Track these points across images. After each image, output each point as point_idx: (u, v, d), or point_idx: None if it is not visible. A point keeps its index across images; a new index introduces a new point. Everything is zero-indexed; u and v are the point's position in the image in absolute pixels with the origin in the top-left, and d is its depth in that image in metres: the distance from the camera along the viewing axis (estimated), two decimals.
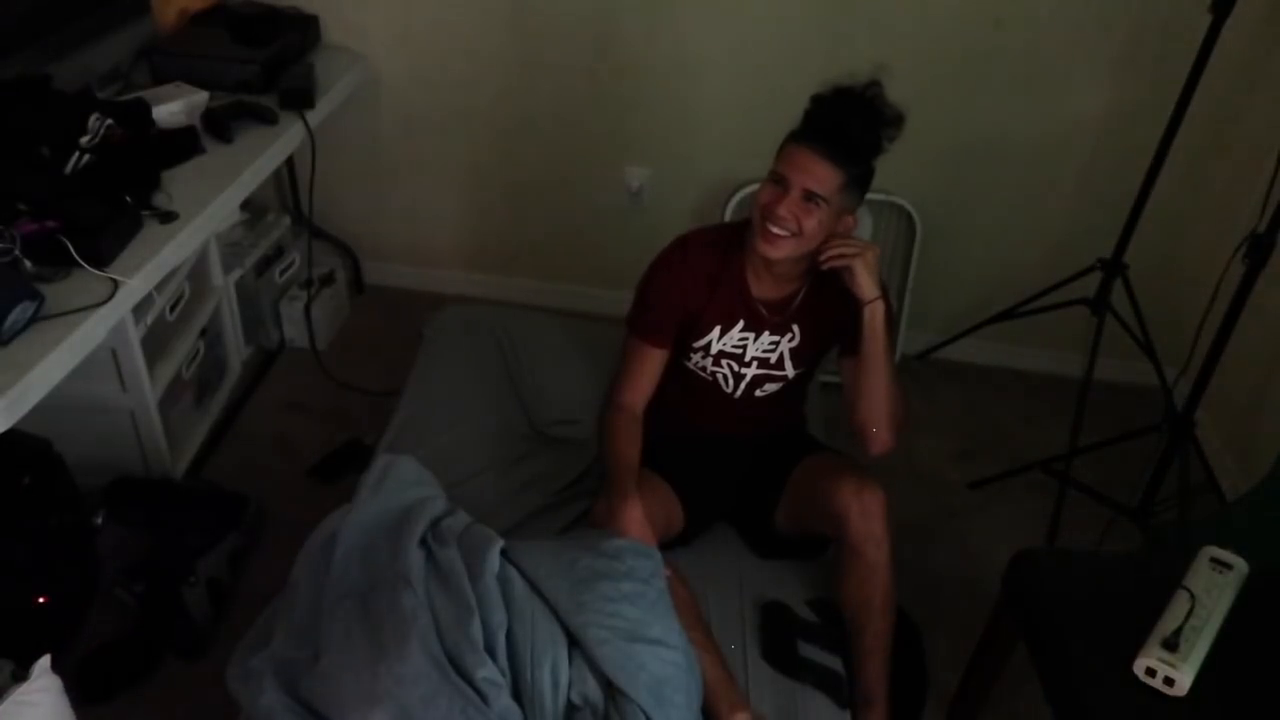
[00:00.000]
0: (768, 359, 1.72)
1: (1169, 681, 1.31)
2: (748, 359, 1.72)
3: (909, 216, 2.55)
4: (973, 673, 1.70)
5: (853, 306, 1.60)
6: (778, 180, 1.53)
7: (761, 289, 1.68)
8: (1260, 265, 1.87)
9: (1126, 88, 2.36)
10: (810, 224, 1.52)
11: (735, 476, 1.81)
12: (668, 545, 1.66)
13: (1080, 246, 2.43)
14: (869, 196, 2.60)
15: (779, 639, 1.59)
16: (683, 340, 1.72)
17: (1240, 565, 1.47)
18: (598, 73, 2.52)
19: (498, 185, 2.76)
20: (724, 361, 1.73)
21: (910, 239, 2.58)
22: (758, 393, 1.76)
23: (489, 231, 2.85)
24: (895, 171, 2.55)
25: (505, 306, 2.84)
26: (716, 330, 1.70)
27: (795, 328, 1.71)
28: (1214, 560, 1.47)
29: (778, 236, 1.53)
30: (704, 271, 1.67)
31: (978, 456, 2.46)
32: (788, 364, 1.74)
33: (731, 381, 1.75)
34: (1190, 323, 2.18)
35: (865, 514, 1.57)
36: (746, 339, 1.70)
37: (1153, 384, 2.39)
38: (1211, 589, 1.42)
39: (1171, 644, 1.33)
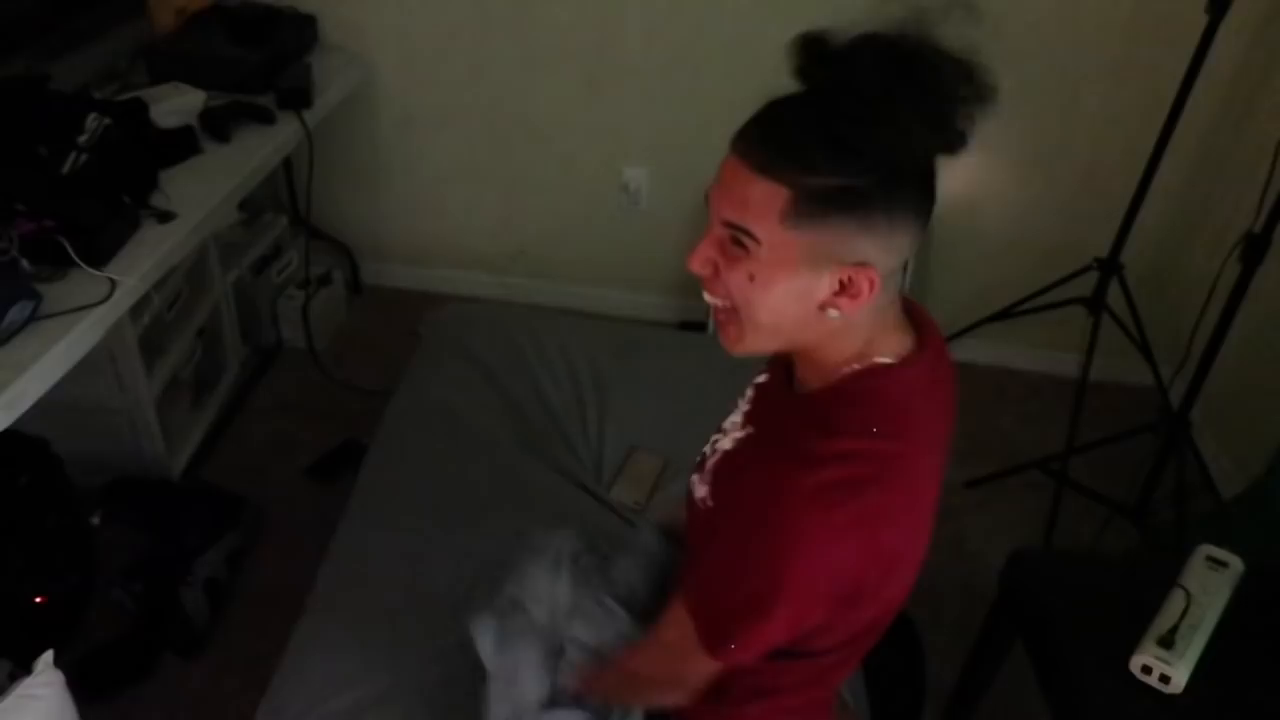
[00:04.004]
0: None
1: (1165, 679, 1.31)
2: None
3: None
4: (970, 671, 1.70)
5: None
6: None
7: None
8: (1256, 265, 1.87)
9: (1123, 87, 2.37)
10: (735, 281, 0.91)
11: None
12: None
13: (1076, 246, 2.44)
14: None
15: None
16: None
17: (1236, 563, 1.47)
18: (596, 72, 2.52)
19: (495, 185, 2.76)
20: None
21: None
22: None
23: (486, 231, 2.85)
24: None
25: (503, 306, 2.85)
26: None
27: None
28: (1210, 559, 1.48)
29: (718, 313, 0.96)
30: None
31: (974, 456, 2.47)
32: None
33: None
34: (1186, 322, 2.19)
35: None
36: None
37: (1149, 383, 2.39)
38: (1207, 587, 1.42)
39: (1167, 642, 1.34)
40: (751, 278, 0.89)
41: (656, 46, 2.47)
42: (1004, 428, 2.60)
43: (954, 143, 0.85)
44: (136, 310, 1.91)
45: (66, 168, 1.68)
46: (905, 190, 0.86)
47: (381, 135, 2.72)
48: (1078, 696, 1.36)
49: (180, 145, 1.89)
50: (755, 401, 1.13)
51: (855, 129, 0.82)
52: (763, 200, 0.86)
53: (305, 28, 2.43)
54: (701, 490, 1.11)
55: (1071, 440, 2.25)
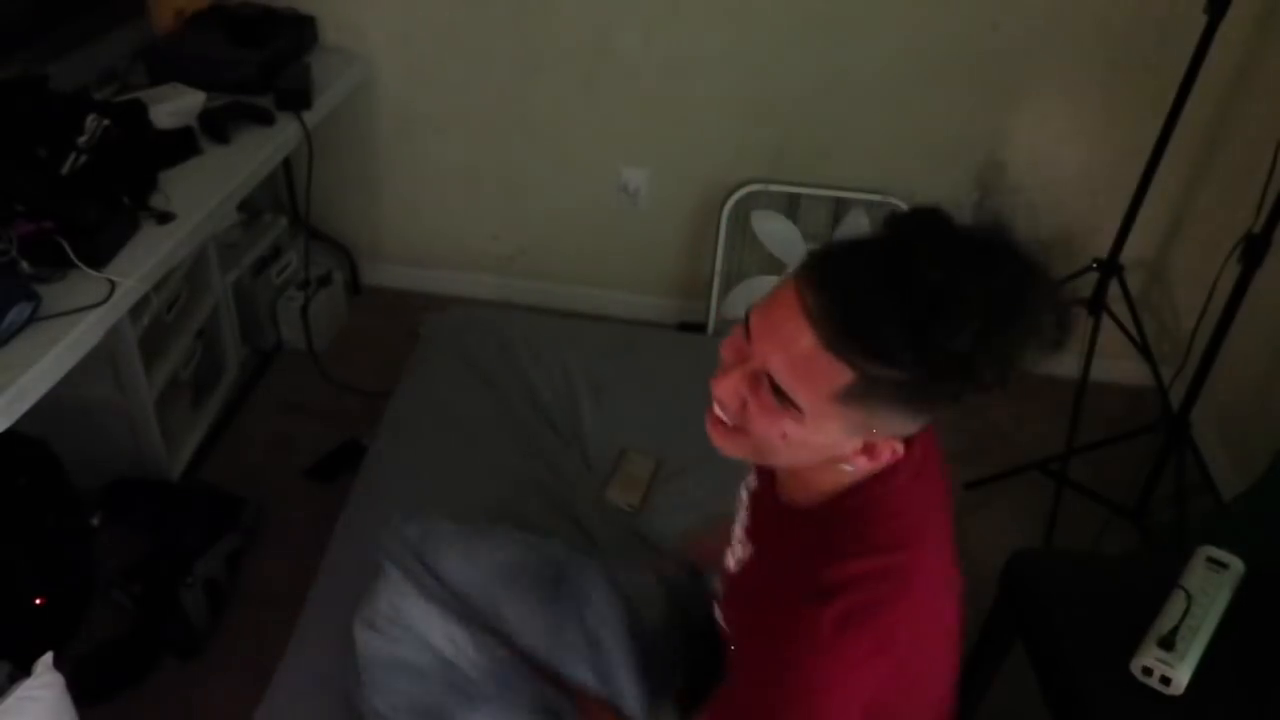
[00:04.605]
0: None
1: (1165, 680, 1.31)
2: None
3: None
4: (969, 673, 1.70)
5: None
6: (746, 328, 0.88)
7: None
8: (1255, 266, 1.88)
9: (1122, 88, 2.37)
10: (764, 428, 0.87)
11: None
12: None
13: (1076, 247, 2.44)
14: (863, 196, 2.64)
15: None
16: None
17: (1236, 564, 1.47)
18: (595, 73, 2.52)
19: (494, 186, 2.76)
20: None
21: None
22: None
23: (486, 232, 2.85)
24: (892, 171, 2.57)
25: (502, 308, 2.86)
26: None
27: None
28: (1210, 560, 1.47)
29: (716, 419, 0.93)
30: None
31: (975, 457, 2.47)
32: None
33: None
34: (1186, 323, 2.19)
35: None
36: None
37: (1149, 384, 2.39)
38: (1208, 588, 1.42)
39: (1168, 643, 1.34)
40: (784, 436, 0.86)
41: (656, 47, 2.47)
42: (1004, 428, 2.59)
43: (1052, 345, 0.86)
44: (136, 311, 1.91)
45: (66, 168, 1.68)
46: (962, 383, 0.83)
47: (381, 136, 2.72)
48: (1078, 698, 1.35)
49: (180, 146, 1.89)
50: (752, 512, 1.10)
51: (944, 329, 0.77)
52: (821, 375, 0.81)
53: (305, 28, 2.43)
54: (718, 611, 1.09)
55: (1071, 441, 2.25)
